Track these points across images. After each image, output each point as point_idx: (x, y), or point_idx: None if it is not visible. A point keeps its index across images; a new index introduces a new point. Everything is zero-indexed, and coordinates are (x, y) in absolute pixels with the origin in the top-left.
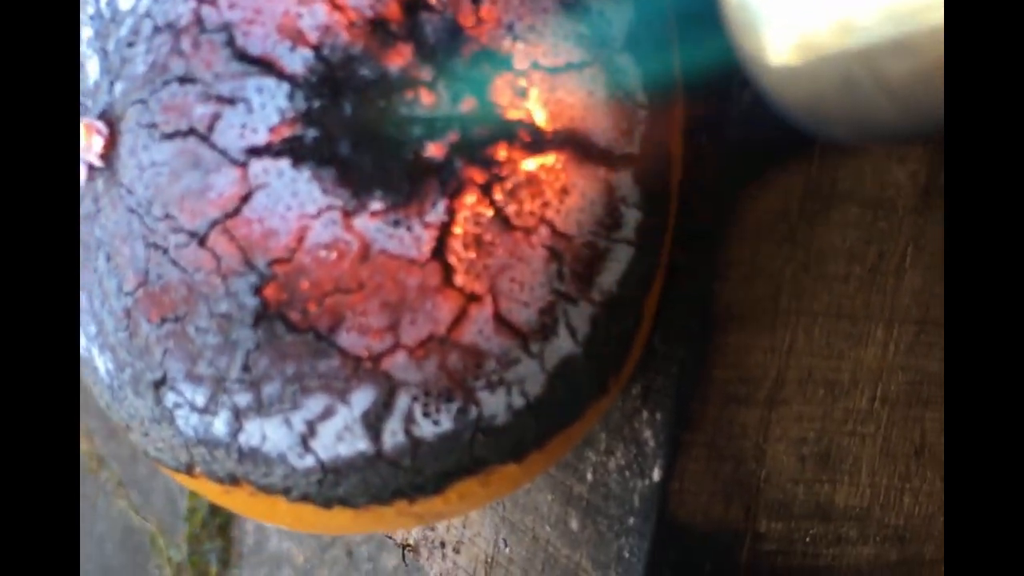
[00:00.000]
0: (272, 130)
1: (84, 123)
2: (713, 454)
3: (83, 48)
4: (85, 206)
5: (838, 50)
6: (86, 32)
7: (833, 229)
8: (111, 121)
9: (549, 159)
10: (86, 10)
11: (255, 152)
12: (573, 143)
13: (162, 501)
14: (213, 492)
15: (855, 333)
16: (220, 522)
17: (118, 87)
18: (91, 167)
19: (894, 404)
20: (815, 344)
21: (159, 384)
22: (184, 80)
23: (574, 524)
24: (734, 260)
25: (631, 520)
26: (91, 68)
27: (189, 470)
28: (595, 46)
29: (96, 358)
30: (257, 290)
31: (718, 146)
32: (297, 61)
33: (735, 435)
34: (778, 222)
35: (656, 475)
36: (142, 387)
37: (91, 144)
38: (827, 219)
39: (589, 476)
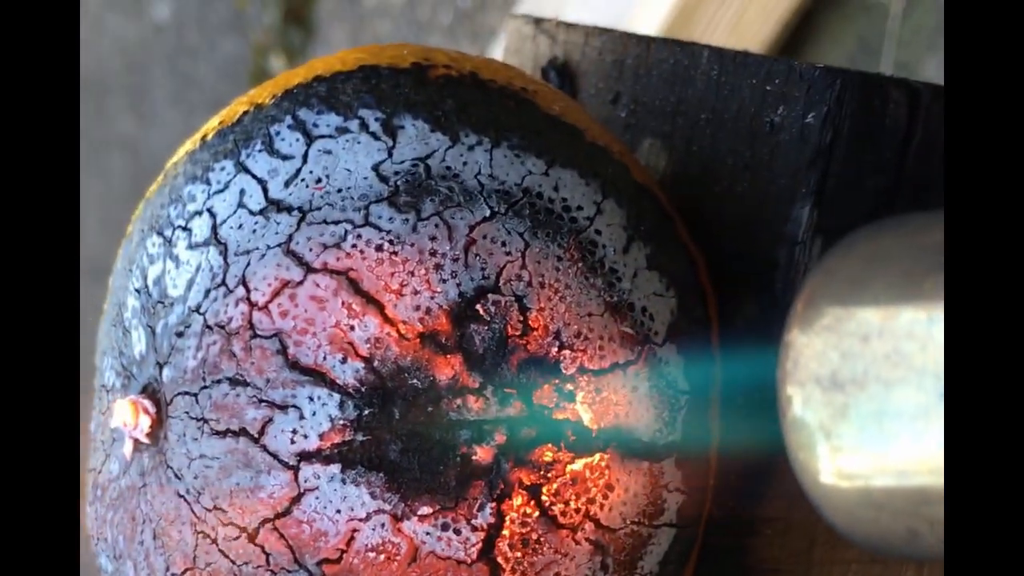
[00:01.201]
0: (323, 436)
1: (131, 400)
2: None
3: (127, 315)
4: (130, 477)
5: (895, 500)
6: (131, 301)
7: None
8: (158, 401)
9: (594, 458)
10: (131, 280)
11: (306, 457)
12: (617, 440)
13: None
14: None
15: None
16: None
17: (166, 373)
18: (136, 441)
19: None
20: None
21: None
22: (235, 382)
23: None
24: (769, 517)
25: None
26: (136, 340)
27: None
28: (639, 343)
29: None
30: None
31: (754, 410)
32: (348, 372)
33: None
34: None
35: None
36: None
37: (138, 422)
38: None
39: None
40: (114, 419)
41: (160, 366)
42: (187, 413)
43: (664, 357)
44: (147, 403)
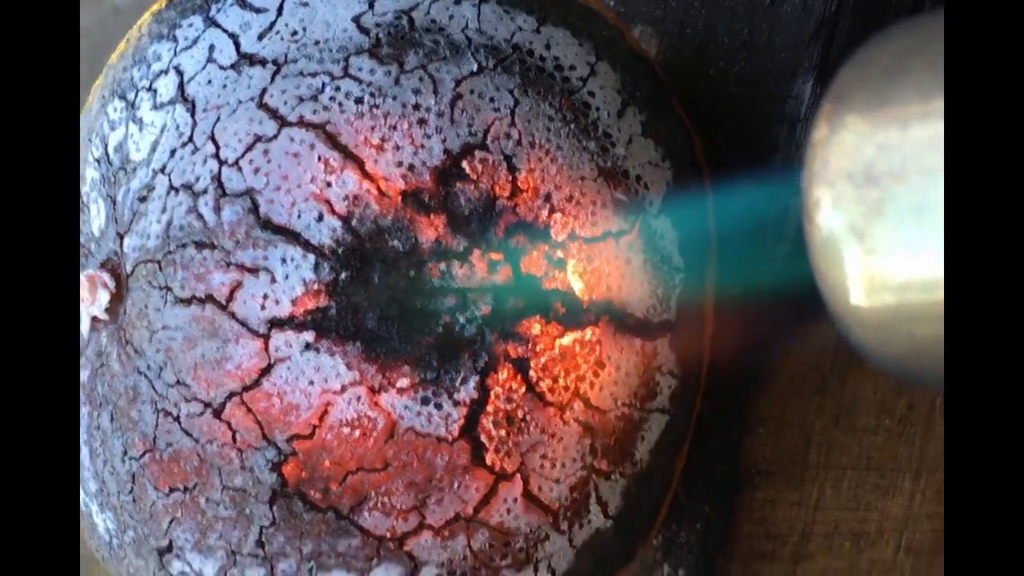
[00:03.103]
0: (295, 302)
1: (88, 274)
2: None
3: (85, 189)
4: (88, 357)
5: (932, 308)
6: (90, 173)
7: (865, 381)
8: (117, 275)
9: (585, 333)
10: (91, 151)
11: (277, 324)
12: (610, 314)
13: None
14: None
15: (882, 485)
16: None
17: (127, 242)
18: (95, 318)
19: (919, 553)
20: (843, 497)
21: (164, 551)
22: (202, 245)
23: None
24: (764, 415)
25: None
26: (95, 214)
27: None
28: (632, 212)
29: (95, 515)
30: (275, 466)
31: (751, 301)
32: (324, 231)
33: None
34: (810, 375)
35: None
36: (145, 551)
37: (96, 297)
38: (859, 371)
39: None
40: None
41: (121, 237)
42: (149, 282)
43: (659, 230)
44: (106, 277)
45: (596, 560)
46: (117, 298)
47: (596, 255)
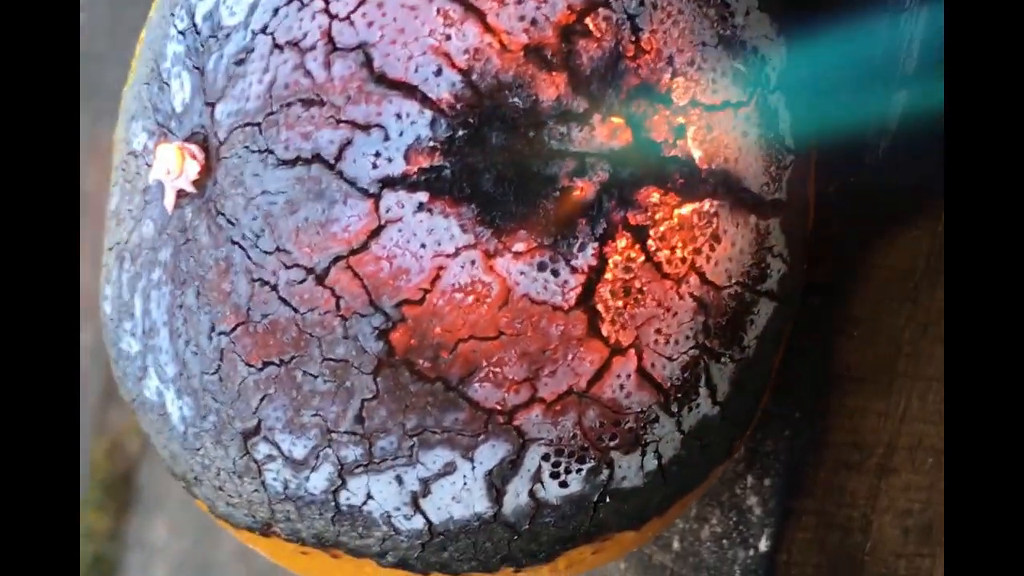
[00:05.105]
0: (409, 160)
1: (176, 146)
2: (822, 523)
3: (166, 66)
4: (169, 234)
5: None
6: (171, 48)
7: None
8: (205, 145)
9: (703, 204)
10: (174, 24)
11: (389, 183)
12: (727, 187)
13: None
14: (285, 552)
15: None
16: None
17: (220, 108)
18: (179, 193)
19: None
20: (928, 410)
21: (250, 434)
22: (309, 103)
23: None
24: (856, 318)
25: None
26: (177, 89)
27: (265, 528)
28: (750, 85)
29: (170, 403)
30: (382, 334)
31: (848, 198)
32: (443, 86)
33: (844, 503)
34: (902, 281)
35: (763, 545)
36: (226, 436)
37: (184, 169)
38: None
39: (676, 544)
40: (155, 170)
41: (211, 107)
42: (247, 147)
43: (774, 106)
44: (193, 148)
45: (700, 450)
46: (205, 170)
47: (715, 124)
